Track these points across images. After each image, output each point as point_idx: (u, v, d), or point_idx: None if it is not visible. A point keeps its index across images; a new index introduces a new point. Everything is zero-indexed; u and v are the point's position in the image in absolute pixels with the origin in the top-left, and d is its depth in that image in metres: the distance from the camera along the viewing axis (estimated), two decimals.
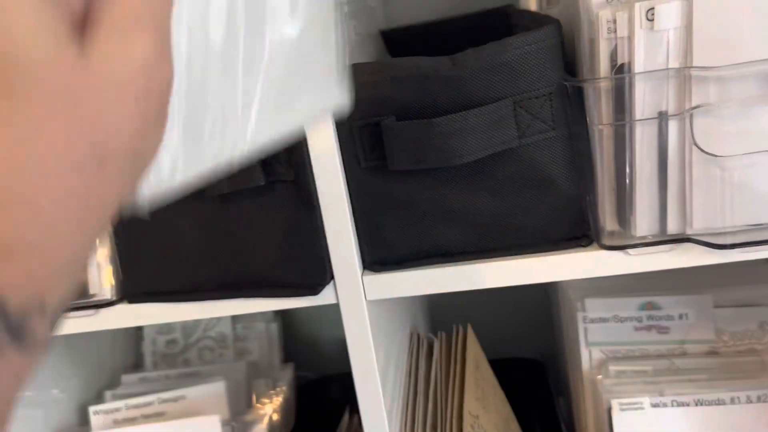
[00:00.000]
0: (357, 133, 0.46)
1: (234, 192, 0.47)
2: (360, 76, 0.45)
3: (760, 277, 0.72)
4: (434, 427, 0.59)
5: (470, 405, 0.61)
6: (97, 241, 0.24)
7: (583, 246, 0.48)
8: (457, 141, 0.43)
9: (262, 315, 1.00)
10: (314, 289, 0.49)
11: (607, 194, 0.46)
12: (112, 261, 0.52)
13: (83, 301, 0.51)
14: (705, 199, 0.44)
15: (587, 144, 0.45)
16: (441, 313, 1.02)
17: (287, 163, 0.46)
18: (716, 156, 0.42)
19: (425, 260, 0.50)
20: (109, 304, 0.52)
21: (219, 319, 0.99)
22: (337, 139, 0.47)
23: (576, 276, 0.48)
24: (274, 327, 0.99)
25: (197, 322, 0.99)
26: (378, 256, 0.50)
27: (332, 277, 0.50)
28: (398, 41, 0.71)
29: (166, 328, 1.00)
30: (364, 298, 0.50)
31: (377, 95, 0.45)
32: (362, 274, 0.50)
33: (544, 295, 0.95)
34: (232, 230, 0.49)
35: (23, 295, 0.19)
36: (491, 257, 0.49)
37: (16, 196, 0.19)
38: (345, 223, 0.48)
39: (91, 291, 0.51)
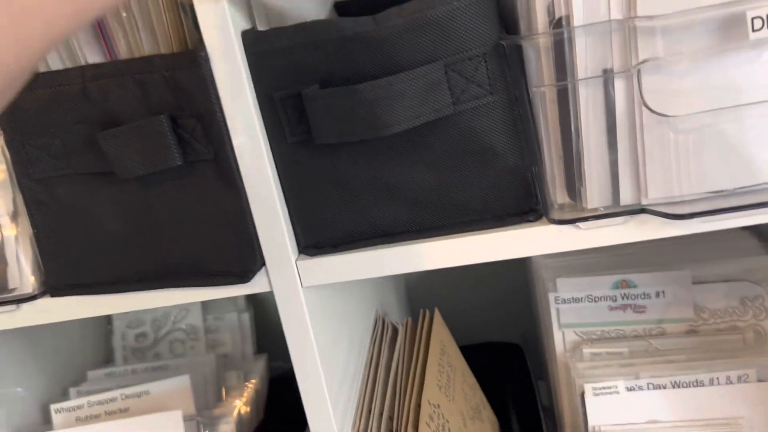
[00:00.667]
0: (280, 105, 0.42)
1: (152, 174, 0.43)
2: (278, 41, 0.41)
3: (741, 250, 0.68)
4: (390, 418, 0.56)
5: (431, 393, 0.57)
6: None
7: (531, 221, 0.44)
8: (384, 109, 0.40)
9: (233, 305, 0.97)
10: (245, 277, 0.46)
11: (555, 164, 0.42)
12: (33, 253, 0.48)
13: (3, 296, 0.48)
14: (659, 165, 0.40)
15: (529, 109, 0.41)
16: (418, 299, 0.98)
17: (205, 140, 0.43)
18: (668, 116, 0.38)
19: (364, 242, 0.46)
20: (30, 298, 0.48)
21: (188, 311, 0.96)
22: (259, 112, 0.43)
23: (524, 254, 0.44)
24: (246, 317, 0.96)
25: (166, 315, 0.96)
26: (313, 239, 0.46)
27: (264, 263, 0.46)
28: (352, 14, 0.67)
29: (135, 322, 0.97)
30: (299, 285, 0.46)
31: (298, 62, 0.41)
32: (297, 259, 0.46)
33: (525, 278, 0.91)
34: (154, 216, 0.45)
35: None
36: (433, 236, 0.45)
37: None
38: (273, 204, 0.44)
39: (11, 285, 0.47)
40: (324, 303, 0.51)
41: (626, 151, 0.41)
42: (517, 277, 0.93)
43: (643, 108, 0.39)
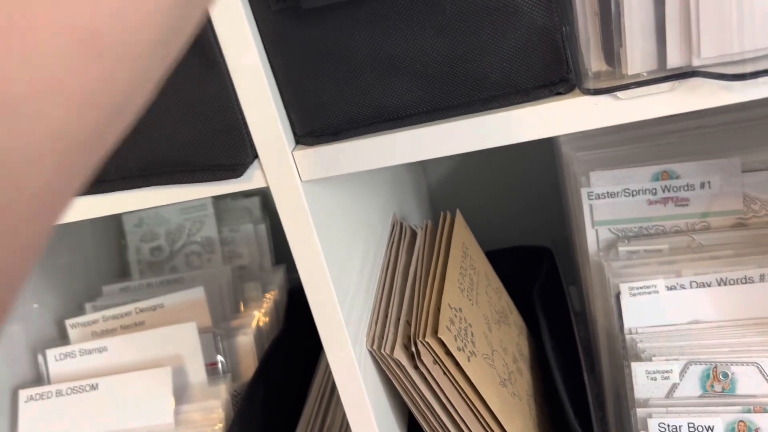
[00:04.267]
0: None
1: None
2: None
3: None
4: (408, 323, 0.52)
5: (451, 297, 0.53)
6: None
7: (562, 93, 0.38)
8: None
9: (249, 216, 0.94)
10: (235, 171, 0.41)
11: (590, 21, 0.36)
12: None
13: None
14: (715, 15, 0.33)
15: None
16: (440, 203, 0.93)
17: None
18: None
19: (368, 127, 0.40)
20: None
21: (203, 223, 0.93)
22: None
23: (555, 132, 0.38)
24: (263, 228, 0.93)
25: (180, 227, 0.93)
26: (309, 126, 0.41)
27: (257, 156, 0.41)
28: None
29: (149, 236, 0.95)
30: (298, 179, 0.41)
31: None
32: (293, 150, 0.41)
33: (554, 174, 0.85)
34: None
35: None
36: (448, 117, 0.39)
37: None
38: (261, 85, 0.38)
39: None
40: (330, 202, 0.46)
41: (675, 1, 0.34)
42: (546, 177, 0.87)
43: None
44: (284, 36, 0.38)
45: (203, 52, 0.37)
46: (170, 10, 0.16)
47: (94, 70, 0.14)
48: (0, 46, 0.13)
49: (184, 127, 0.40)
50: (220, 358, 0.74)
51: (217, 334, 0.75)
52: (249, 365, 0.76)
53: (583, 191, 0.62)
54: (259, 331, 0.78)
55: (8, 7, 0.13)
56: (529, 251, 0.81)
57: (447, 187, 0.93)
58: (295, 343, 0.78)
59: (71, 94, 0.14)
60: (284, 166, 0.41)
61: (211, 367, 0.74)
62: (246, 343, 0.77)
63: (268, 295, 0.85)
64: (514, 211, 0.92)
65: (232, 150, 0.40)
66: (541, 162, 0.87)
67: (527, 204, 0.91)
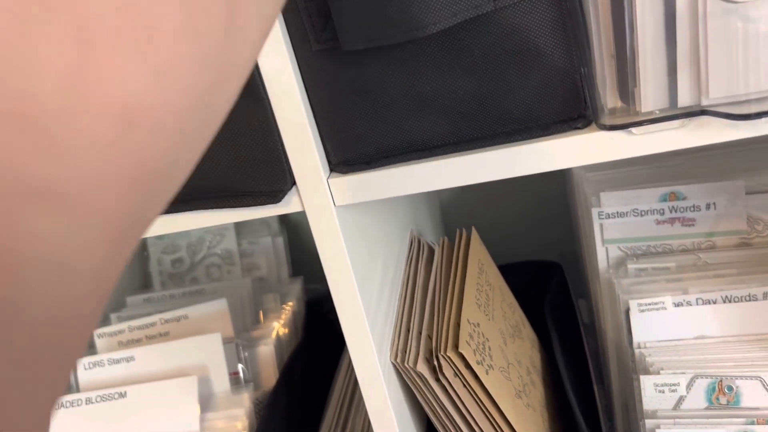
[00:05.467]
0: (303, 9, 0.39)
1: None
2: None
3: None
4: (429, 337, 0.55)
5: (470, 312, 0.56)
6: None
7: (580, 128, 0.41)
8: (417, 8, 0.36)
9: (267, 229, 0.97)
10: (275, 197, 0.44)
11: (606, 63, 0.39)
12: None
13: None
14: (724, 59, 0.36)
15: (578, 2, 0.37)
16: (452, 218, 0.96)
17: None
18: (736, 2, 0.34)
19: (399, 157, 0.43)
20: None
21: (223, 235, 0.96)
22: (282, 19, 0.40)
23: (573, 164, 0.41)
24: (280, 241, 0.96)
25: (201, 240, 0.96)
26: (344, 156, 0.44)
27: (294, 183, 0.44)
28: None
29: (170, 248, 0.98)
30: (332, 204, 0.44)
31: None
32: (328, 177, 0.44)
33: (565, 193, 0.88)
34: None
35: None
36: (474, 148, 0.42)
37: None
38: (301, 119, 0.42)
39: None
40: (358, 222, 0.49)
41: (686, 46, 0.37)
42: (554, 194, 0.90)
43: None
44: (323, 73, 0.41)
45: (249, 87, 0.41)
46: (207, 79, 0.15)
47: (137, 147, 0.14)
48: (36, 143, 0.12)
49: (229, 155, 0.43)
50: (241, 367, 0.77)
51: (239, 344, 0.77)
52: (270, 374, 0.78)
53: (594, 211, 0.64)
54: (279, 342, 0.81)
55: (43, 98, 0.12)
56: (540, 266, 0.84)
57: (458, 202, 0.96)
58: (313, 352, 0.81)
59: (113, 178, 0.14)
60: (320, 192, 0.44)
61: (233, 377, 0.77)
62: (267, 353, 0.79)
63: (286, 306, 0.88)
64: (523, 225, 0.95)
65: (273, 177, 0.43)
66: (549, 179, 0.90)
67: (536, 219, 0.94)
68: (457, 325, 0.54)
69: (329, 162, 0.45)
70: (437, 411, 0.53)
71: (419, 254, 0.66)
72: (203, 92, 0.15)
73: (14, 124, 0.12)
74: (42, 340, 0.13)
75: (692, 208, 0.63)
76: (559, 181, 0.88)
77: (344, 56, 0.40)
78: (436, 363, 0.51)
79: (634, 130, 0.39)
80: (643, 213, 0.64)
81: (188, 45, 0.14)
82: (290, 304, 0.88)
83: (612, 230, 0.65)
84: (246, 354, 0.78)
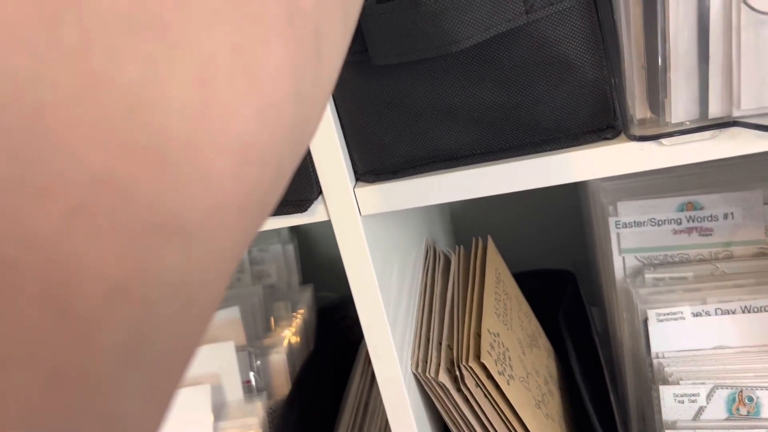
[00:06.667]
0: None
1: None
2: None
3: None
4: (450, 347, 0.55)
5: (489, 322, 0.56)
6: None
7: (609, 139, 0.41)
8: (451, 22, 0.36)
9: (277, 236, 0.96)
10: (301, 206, 0.44)
11: (636, 74, 0.39)
12: None
13: None
14: (756, 71, 0.36)
15: (610, 13, 0.37)
16: (465, 228, 0.96)
17: None
18: None
19: (425, 167, 0.43)
20: None
21: None
22: None
23: (601, 174, 0.41)
24: (291, 248, 0.96)
25: None
26: (370, 165, 0.44)
27: (321, 192, 0.44)
28: None
29: None
30: (358, 213, 0.44)
31: None
32: (354, 187, 0.44)
33: (576, 200, 0.88)
34: None
35: None
36: (501, 158, 0.42)
37: None
38: (329, 129, 0.41)
39: None
40: (382, 232, 0.49)
41: (718, 57, 0.37)
42: (564, 203, 0.90)
43: (742, 6, 0.35)
44: (351, 84, 0.41)
45: None
46: (301, 114, 0.16)
47: (249, 181, 0.14)
48: (166, 178, 0.12)
49: None
50: (254, 375, 0.77)
51: (251, 352, 0.77)
52: (282, 383, 0.78)
53: (611, 220, 0.64)
54: (290, 350, 0.81)
55: (175, 131, 0.13)
56: (553, 275, 0.83)
57: (468, 209, 0.96)
58: (326, 361, 0.81)
59: (232, 213, 0.14)
60: (346, 201, 0.44)
61: (245, 385, 0.76)
62: (279, 361, 0.79)
63: (297, 314, 0.87)
64: (534, 233, 0.95)
65: (300, 187, 0.43)
66: (561, 186, 0.89)
67: (547, 227, 0.94)
68: (478, 335, 0.54)
69: (355, 172, 0.44)
70: (458, 421, 0.53)
71: (435, 263, 0.66)
72: (298, 127, 0.16)
73: (146, 159, 0.12)
74: (161, 372, 0.13)
75: (710, 218, 0.63)
76: (570, 189, 0.87)
77: (373, 68, 0.40)
78: (458, 373, 0.51)
79: (664, 140, 0.39)
80: (660, 222, 0.64)
81: (289, 82, 0.15)
82: (301, 311, 0.88)
83: (629, 239, 0.65)
84: (258, 362, 0.78)
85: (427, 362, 0.53)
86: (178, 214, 0.13)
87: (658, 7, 0.36)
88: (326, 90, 0.17)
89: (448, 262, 0.67)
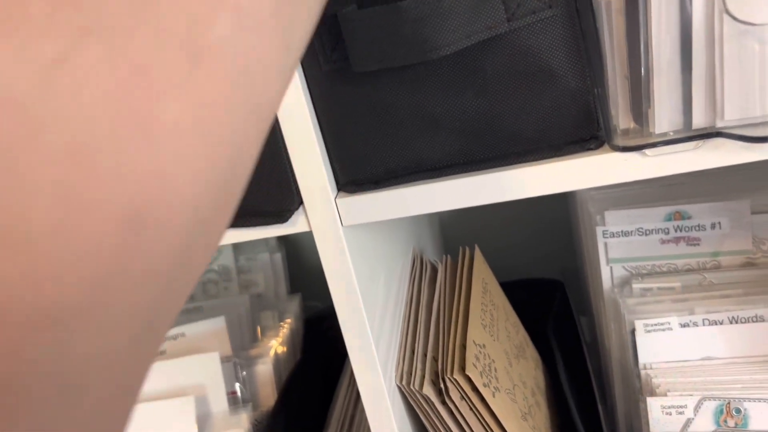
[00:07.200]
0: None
1: None
2: None
3: None
4: (435, 359, 0.54)
5: (475, 333, 0.55)
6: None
7: (592, 149, 0.40)
8: (432, 29, 0.36)
9: (265, 245, 0.95)
10: (282, 216, 0.43)
11: (619, 84, 0.38)
12: None
13: None
14: (739, 82, 0.36)
15: (593, 22, 0.37)
16: (453, 237, 0.96)
17: None
18: (754, 25, 0.34)
19: (407, 177, 0.43)
20: None
21: (220, 252, 0.95)
22: None
23: (585, 185, 0.40)
24: (278, 257, 0.95)
25: None
26: (352, 176, 0.43)
27: (302, 202, 0.43)
28: None
29: None
30: (339, 224, 0.44)
31: None
32: (336, 197, 0.43)
33: (565, 208, 0.88)
34: None
35: None
36: (483, 169, 0.42)
37: None
38: (309, 138, 0.41)
39: None
40: (363, 242, 0.48)
41: (701, 68, 0.36)
42: (553, 211, 0.90)
43: (725, 16, 0.34)
44: (332, 93, 0.40)
45: None
46: (221, 161, 0.15)
47: (143, 251, 0.13)
48: (29, 267, 0.11)
49: None
50: (239, 386, 0.76)
51: (237, 363, 0.76)
52: (268, 394, 0.77)
53: (599, 230, 0.64)
54: (277, 360, 0.80)
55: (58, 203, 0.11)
56: (542, 284, 0.83)
57: (458, 217, 0.96)
58: (312, 372, 0.80)
59: (120, 291, 0.13)
60: (327, 212, 0.43)
61: (231, 396, 0.76)
62: (265, 372, 0.78)
63: (284, 324, 0.86)
64: (523, 241, 0.94)
65: (280, 197, 0.42)
66: (550, 195, 0.89)
67: (536, 235, 0.94)
68: (463, 346, 0.53)
69: (337, 182, 0.44)
70: None
71: (422, 273, 0.66)
72: (218, 174, 0.14)
73: (4, 248, 0.11)
74: None
75: (697, 228, 0.62)
76: (559, 197, 0.87)
77: (354, 76, 0.40)
78: (442, 386, 0.51)
79: (647, 151, 0.39)
80: (647, 232, 0.63)
81: (194, 137, 0.13)
82: (288, 321, 0.87)
83: (617, 249, 0.64)
84: (244, 373, 0.77)
85: (411, 375, 0.52)
86: (49, 306, 0.11)
87: (641, 17, 0.35)
88: (263, 120, 0.16)
89: (435, 271, 0.66)
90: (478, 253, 0.66)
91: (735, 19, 0.34)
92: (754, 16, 0.34)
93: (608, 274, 0.65)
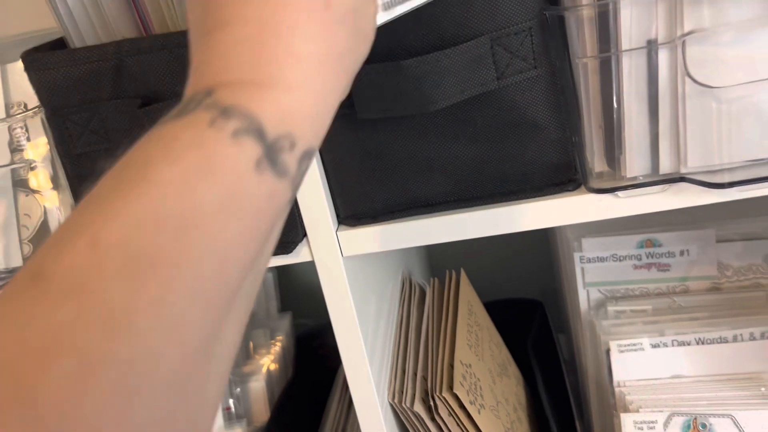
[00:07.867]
0: None
1: None
2: None
3: (764, 208, 0.68)
4: (424, 378, 0.58)
5: (462, 354, 0.59)
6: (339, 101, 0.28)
7: (570, 191, 0.45)
8: (430, 85, 0.40)
9: None
10: (287, 248, 0.47)
11: (595, 133, 0.43)
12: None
13: None
14: (700, 134, 0.41)
15: (571, 79, 0.41)
16: (439, 258, 1.00)
17: None
18: (711, 87, 0.39)
19: (403, 212, 0.47)
20: None
21: None
22: None
23: (563, 222, 0.45)
24: (270, 276, 0.98)
25: None
26: (352, 210, 0.47)
27: (305, 234, 0.47)
28: None
29: None
30: (340, 255, 0.47)
31: None
32: (337, 230, 0.47)
33: (544, 235, 0.92)
34: None
35: (277, 127, 0.21)
36: (472, 206, 0.46)
37: (275, 38, 0.22)
38: (314, 176, 0.45)
39: None
40: (360, 270, 0.52)
41: (667, 121, 0.41)
42: (534, 236, 0.94)
43: (687, 78, 0.39)
44: (335, 136, 0.44)
45: None
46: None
47: None
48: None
49: None
50: (233, 402, 0.79)
51: (231, 380, 0.79)
52: (261, 410, 0.80)
53: (576, 255, 0.69)
54: (269, 377, 0.83)
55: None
56: (523, 303, 0.87)
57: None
58: (304, 389, 0.83)
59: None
60: (329, 243, 0.47)
61: (225, 412, 0.78)
62: (258, 389, 0.81)
63: (276, 342, 0.89)
64: (505, 262, 0.99)
65: (286, 230, 0.46)
66: None
67: (518, 256, 0.98)
68: (451, 366, 0.57)
69: (338, 215, 0.48)
70: None
71: (411, 295, 0.70)
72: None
73: None
74: None
75: (667, 255, 0.67)
76: None
77: (357, 122, 0.44)
78: (432, 403, 0.54)
79: (619, 193, 0.43)
80: (621, 258, 0.68)
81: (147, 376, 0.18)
82: (280, 339, 0.90)
83: (592, 274, 0.69)
84: (238, 389, 0.80)
85: (403, 393, 0.56)
86: None
87: (614, 76, 0.40)
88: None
89: (423, 293, 0.70)
90: (463, 277, 0.70)
91: (695, 81, 0.39)
92: (713, 79, 0.39)
93: (585, 296, 0.70)
